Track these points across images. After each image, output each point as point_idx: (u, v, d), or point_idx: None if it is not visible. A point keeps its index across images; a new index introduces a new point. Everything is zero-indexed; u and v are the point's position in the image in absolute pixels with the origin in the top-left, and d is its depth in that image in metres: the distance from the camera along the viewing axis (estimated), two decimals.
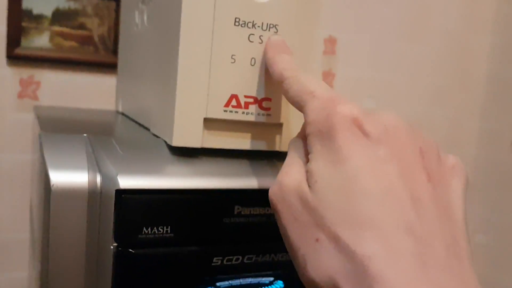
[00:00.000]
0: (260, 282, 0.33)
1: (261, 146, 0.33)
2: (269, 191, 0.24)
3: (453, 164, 0.23)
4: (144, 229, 0.28)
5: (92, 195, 0.28)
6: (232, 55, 0.31)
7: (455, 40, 1.09)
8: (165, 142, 0.32)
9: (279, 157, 0.34)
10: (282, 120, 0.33)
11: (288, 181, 0.23)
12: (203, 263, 0.30)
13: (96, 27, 0.80)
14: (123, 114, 0.52)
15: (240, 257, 0.31)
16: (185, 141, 0.31)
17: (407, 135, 0.22)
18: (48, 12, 0.77)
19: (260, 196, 0.31)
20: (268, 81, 0.32)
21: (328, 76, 0.96)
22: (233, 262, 0.31)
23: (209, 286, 0.31)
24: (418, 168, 0.21)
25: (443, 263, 0.19)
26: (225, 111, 0.31)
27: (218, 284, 0.31)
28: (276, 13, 0.31)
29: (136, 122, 0.43)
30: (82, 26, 0.79)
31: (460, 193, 0.23)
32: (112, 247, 0.28)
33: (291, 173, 0.23)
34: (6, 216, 0.72)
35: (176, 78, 0.30)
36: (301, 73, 0.26)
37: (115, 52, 0.81)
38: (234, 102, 0.31)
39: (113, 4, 0.80)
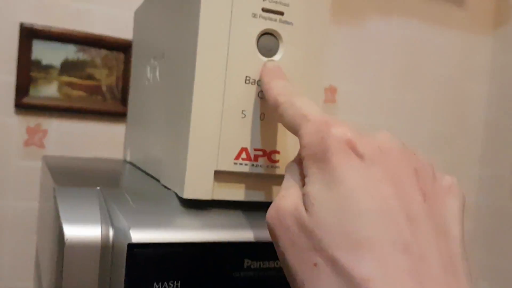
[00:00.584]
0: None
1: (271, 197, 0.34)
2: (267, 215, 0.24)
3: (449, 184, 0.24)
4: (155, 284, 0.28)
5: (105, 248, 0.28)
6: (243, 110, 0.32)
7: (452, 87, 1.12)
8: (176, 194, 0.33)
9: None
10: None
11: (284, 204, 0.23)
12: None
13: (105, 78, 0.83)
14: (131, 163, 0.53)
15: None
16: (196, 194, 0.31)
17: (401, 155, 0.22)
18: (57, 62, 0.79)
19: (270, 249, 0.31)
20: (277, 135, 0.33)
21: None
22: None
23: None
24: (413, 188, 0.22)
25: (440, 281, 0.19)
26: (235, 163, 0.32)
27: None
28: (285, 71, 0.32)
29: (144, 172, 0.44)
30: (90, 77, 0.81)
31: (457, 212, 0.23)
32: None
33: (288, 196, 0.23)
34: (9, 264, 0.71)
35: (189, 132, 0.31)
36: (295, 97, 0.27)
37: (122, 101, 0.83)
38: (244, 155, 0.32)
39: (122, 55, 0.83)
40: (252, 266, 0.31)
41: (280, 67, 0.32)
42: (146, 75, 0.47)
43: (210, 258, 0.30)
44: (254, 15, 0.32)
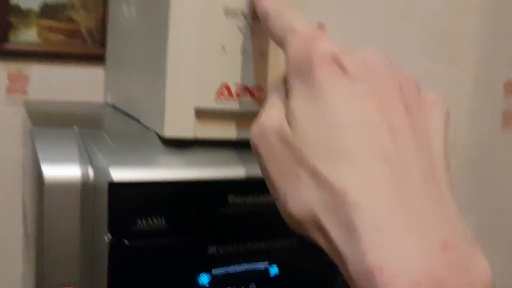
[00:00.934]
0: (256, 268, 0.33)
1: None
2: (250, 133, 0.24)
3: (433, 98, 0.23)
4: (139, 221, 0.28)
5: (85, 188, 0.28)
6: (222, 44, 0.31)
7: (442, 23, 1.09)
8: (157, 133, 0.32)
9: None
10: None
11: (268, 121, 0.23)
12: (199, 253, 0.30)
13: (84, 20, 0.80)
14: (112, 106, 0.52)
15: (235, 245, 0.31)
16: (176, 132, 0.31)
17: (386, 70, 0.22)
18: (35, 6, 0.76)
19: (253, 185, 0.32)
20: (259, 70, 0.32)
21: None
22: (228, 250, 0.31)
23: (205, 274, 0.31)
24: (396, 101, 0.21)
25: (420, 189, 0.19)
26: (216, 100, 0.31)
27: (214, 272, 0.31)
28: None
29: (125, 113, 0.43)
30: (69, 20, 0.78)
31: (440, 125, 0.23)
32: (107, 239, 0.28)
33: (271, 113, 0.23)
34: None
35: (166, 69, 0.30)
36: (286, 9, 0.26)
37: (103, 44, 0.80)
38: (225, 91, 0.31)
39: None
40: (236, 202, 0.31)
41: None
42: (122, 13, 0.45)
43: (194, 196, 0.30)
44: None
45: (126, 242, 0.28)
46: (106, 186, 0.28)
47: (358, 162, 0.20)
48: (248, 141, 0.32)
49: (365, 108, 0.21)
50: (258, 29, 0.32)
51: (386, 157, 0.20)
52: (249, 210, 0.32)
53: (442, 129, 0.22)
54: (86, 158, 0.28)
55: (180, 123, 0.31)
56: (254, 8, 0.29)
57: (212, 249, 0.31)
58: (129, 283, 0.29)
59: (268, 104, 0.24)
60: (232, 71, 0.31)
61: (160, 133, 0.31)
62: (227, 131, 0.33)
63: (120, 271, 0.28)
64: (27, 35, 0.76)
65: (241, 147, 0.33)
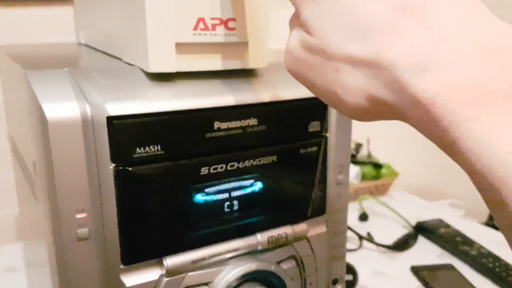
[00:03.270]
0: (242, 184, 0.37)
1: (231, 65, 0.36)
2: (285, 64, 0.26)
3: None
4: (137, 149, 0.32)
5: (85, 123, 0.30)
6: None
7: None
8: (141, 69, 0.35)
9: (249, 74, 0.38)
10: (248, 39, 0.36)
11: (291, 44, 0.25)
12: (193, 174, 0.34)
13: None
14: (86, 45, 0.53)
15: (224, 165, 0.36)
16: (160, 67, 0.33)
17: None
18: None
19: (236, 111, 0.35)
20: (232, 2, 0.34)
21: None
22: (218, 170, 0.35)
23: (199, 193, 0.35)
24: None
25: (449, 14, 0.20)
26: (194, 34, 0.34)
27: (206, 190, 0.36)
28: None
29: (103, 52, 0.45)
30: None
31: None
32: (111, 167, 0.31)
33: (291, 38, 0.25)
34: None
35: (145, 8, 0.32)
36: None
37: None
38: (201, 25, 0.34)
39: None
40: (221, 127, 0.35)
41: None
42: None
43: (184, 124, 0.33)
44: None
45: (128, 169, 0.32)
46: (104, 120, 0.31)
47: (382, 28, 0.20)
48: (222, 71, 0.35)
49: None
50: None
51: (403, 5, 0.20)
52: (233, 133, 0.35)
53: None
54: (82, 96, 0.31)
55: (163, 58, 0.33)
56: None
57: (204, 170, 0.35)
58: (134, 205, 0.33)
59: (287, 40, 0.26)
60: (206, 5, 0.33)
61: (145, 68, 0.34)
62: (206, 63, 0.35)
63: (125, 194, 0.32)
64: None
65: (219, 77, 0.36)
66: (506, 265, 0.70)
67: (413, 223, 0.85)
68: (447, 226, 0.84)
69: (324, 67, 0.23)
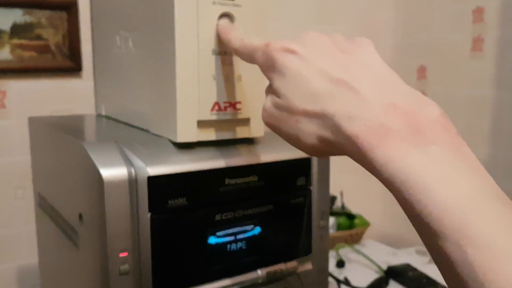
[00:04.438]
0: (245, 228, 0.47)
1: (237, 135, 0.47)
2: (262, 118, 0.36)
3: (360, 39, 0.33)
4: (169, 201, 0.41)
5: (131, 182, 0.40)
6: (212, 74, 0.44)
7: (363, 17, 1.27)
8: (169, 140, 0.45)
9: (251, 141, 0.48)
10: (249, 115, 0.47)
11: (266, 104, 0.35)
12: (208, 220, 0.44)
13: (52, 37, 0.88)
14: (107, 116, 0.63)
15: (232, 213, 0.45)
16: (185, 138, 0.44)
17: (319, 38, 0.33)
18: (6, 27, 0.83)
19: (242, 170, 0.45)
20: (238, 90, 0.45)
21: None
22: (228, 216, 0.45)
23: (214, 235, 0.45)
24: (333, 50, 0.32)
25: (376, 82, 0.30)
26: (211, 114, 0.44)
27: (217, 233, 0.45)
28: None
29: (127, 124, 0.55)
30: (39, 37, 0.87)
31: (373, 51, 0.32)
32: (148, 216, 0.41)
33: (266, 100, 0.35)
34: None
35: (176, 94, 0.43)
36: (245, 40, 0.39)
37: (71, 57, 0.90)
38: (216, 107, 0.45)
39: (65, 14, 0.88)
40: (230, 183, 0.45)
41: (228, 21, 0.44)
42: (115, 43, 0.56)
43: (203, 180, 0.43)
44: (214, 3, 0.43)
45: (162, 216, 0.41)
46: (146, 179, 0.40)
47: (325, 93, 0.30)
48: (231, 139, 0.46)
49: (314, 64, 0.31)
50: (235, 60, 0.45)
51: (339, 81, 0.30)
52: (240, 187, 0.45)
53: (376, 53, 0.32)
54: (128, 161, 0.41)
55: (187, 131, 0.44)
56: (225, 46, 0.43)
57: (217, 217, 0.44)
58: (165, 245, 0.42)
59: (265, 99, 0.36)
60: (220, 92, 0.45)
61: (173, 139, 0.44)
62: (219, 134, 0.46)
63: (158, 237, 0.41)
64: (1, 54, 0.84)
65: (229, 144, 0.47)
66: None
67: (385, 268, 0.94)
68: (414, 269, 0.93)
69: (289, 119, 0.33)
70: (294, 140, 0.33)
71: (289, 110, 0.32)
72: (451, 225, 0.23)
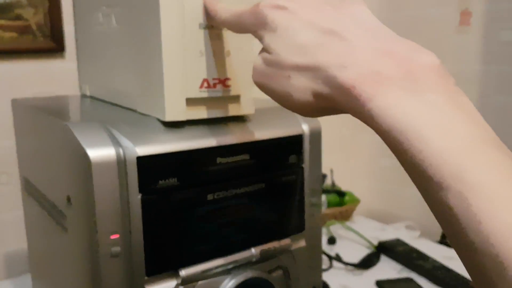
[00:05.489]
0: (239, 207, 0.46)
1: (228, 113, 0.46)
2: (252, 78, 0.34)
3: None
4: (159, 181, 0.40)
5: (119, 163, 0.39)
6: (200, 50, 0.43)
7: None
8: (158, 119, 0.44)
9: (241, 119, 0.47)
10: (240, 92, 0.46)
11: (256, 62, 0.34)
12: (200, 200, 0.43)
13: (32, 16, 0.85)
14: (92, 97, 0.61)
15: (225, 192, 0.45)
16: (174, 116, 0.43)
17: None
18: None
19: (233, 148, 0.45)
20: (228, 66, 0.44)
21: None
22: (220, 196, 0.44)
23: (207, 215, 0.44)
24: (323, 5, 0.31)
25: (372, 34, 0.29)
26: (200, 91, 0.43)
27: (212, 213, 0.44)
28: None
29: (113, 104, 0.53)
30: (19, 17, 0.84)
31: (366, 10, 0.31)
32: (139, 197, 0.40)
33: (257, 58, 0.34)
34: None
35: (162, 71, 0.41)
36: (233, 10, 0.37)
37: (53, 38, 0.87)
38: (205, 84, 0.43)
39: None
40: (222, 162, 0.44)
41: None
42: (98, 20, 0.54)
43: (194, 160, 0.43)
44: None
45: (152, 197, 0.40)
46: (135, 160, 0.39)
47: (316, 45, 0.29)
48: (221, 118, 0.45)
49: (304, 17, 0.31)
50: (223, 35, 0.44)
51: (331, 31, 0.29)
52: (231, 166, 0.45)
53: (368, 10, 0.31)
54: (116, 141, 0.40)
55: (176, 110, 0.43)
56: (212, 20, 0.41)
57: (209, 197, 0.44)
58: (157, 226, 0.41)
59: (254, 63, 0.35)
60: (209, 68, 0.43)
61: (161, 118, 0.43)
62: (208, 112, 0.45)
63: (150, 218, 0.41)
64: None
65: (219, 122, 0.46)
66: (456, 275, 0.81)
67: (375, 243, 0.95)
68: (405, 244, 0.94)
69: (280, 76, 0.31)
70: (286, 99, 0.32)
71: (279, 66, 0.31)
72: (450, 174, 0.23)
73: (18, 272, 0.84)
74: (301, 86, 0.30)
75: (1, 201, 0.85)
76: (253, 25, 0.34)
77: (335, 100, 0.29)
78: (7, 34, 0.83)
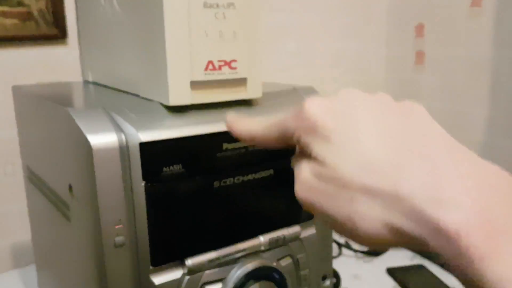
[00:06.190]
0: (247, 195, 0.45)
1: (234, 96, 0.44)
2: (297, 195, 0.28)
3: (410, 102, 0.27)
4: (164, 168, 0.39)
5: (122, 149, 0.37)
6: (205, 30, 0.41)
7: None
8: (161, 103, 0.42)
9: (248, 103, 0.45)
10: (246, 75, 0.44)
11: (303, 175, 0.27)
12: (207, 187, 0.42)
13: (34, 3, 0.83)
14: (95, 83, 0.60)
15: (232, 179, 0.43)
16: (178, 101, 0.41)
17: (366, 97, 0.27)
18: None
19: None
20: (234, 47, 0.42)
21: None
22: (227, 183, 0.43)
23: (213, 203, 0.42)
24: (386, 111, 0.26)
25: (447, 154, 0.23)
26: (205, 74, 0.41)
27: (218, 200, 0.43)
28: None
29: (117, 89, 0.52)
30: (20, 3, 0.82)
31: (429, 116, 0.26)
32: (142, 184, 0.38)
33: (302, 169, 0.27)
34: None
35: (166, 55, 0.39)
36: (262, 121, 0.32)
37: (55, 24, 0.85)
38: (211, 66, 0.42)
39: None
40: (228, 148, 0.42)
41: (234, 114, 0.36)
42: (99, 3, 0.53)
43: (199, 146, 0.41)
44: None
45: (157, 185, 0.39)
46: (137, 146, 0.38)
47: (390, 163, 0.23)
48: (227, 102, 0.43)
49: (367, 125, 0.25)
50: (229, 15, 0.42)
51: (405, 145, 0.23)
52: (238, 152, 0.43)
53: (433, 119, 0.26)
54: (118, 127, 0.38)
55: (180, 94, 0.41)
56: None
57: (216, 184, 0.42)
58: (162, 215, 0.40)
59: (295, 172, 0.28)
60: (214, 50, 0.41)
61: (165, 102, 0.41)
62: (214, 96, 0.43)
63: (154, 207, 0.39)
64: None
65: (225, 107, 0.44)
66: None
67: None
68: None
69: (339, 196, 0.24)
70: (346, 226, 0.25)
71: (338, 184, 0.24)
72: None
73: (25, 263, 0.84)
74: (370, 214, 0.23)
75: (7, 192, 0.84)
76: (299, 130, 0.27)
77: (421, 240, 0.22)
78: (9, 21, 0.81)
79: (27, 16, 0.83)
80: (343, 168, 0.24)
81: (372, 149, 0.24)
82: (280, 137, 0.30)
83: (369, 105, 0.26)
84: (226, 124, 0.35)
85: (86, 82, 0.62)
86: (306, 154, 0.27)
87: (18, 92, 0.58)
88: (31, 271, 0.75)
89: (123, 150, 0.38)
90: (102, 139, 0.37)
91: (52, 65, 0.86)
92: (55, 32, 0.86)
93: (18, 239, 0.86)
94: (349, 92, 0.28)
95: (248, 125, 0.33)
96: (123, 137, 0.38)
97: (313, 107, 0.27)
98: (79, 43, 0.62)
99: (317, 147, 0.26)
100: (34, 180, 0.56)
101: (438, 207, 0.21)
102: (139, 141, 0.38)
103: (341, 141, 0.25)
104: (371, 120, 0.25)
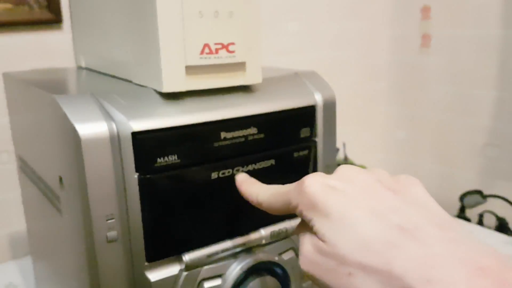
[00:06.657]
0: None
1: (232, 82, 0.41)
2: (300, 266, 0.29)
3: (405, 178, 0.29)
4: (158, 159, 0.37)
5: (112, 139, 0.35)
6: (199, 10, 0.38)
7: None
8: (154, 90, 0.40)
9: (248, 89, 0.43)
10: (245, 59, 0.41)
11: (305, 248, 0.29)
12: (204, 179, 0.39)
13: None
14: (87, 68, 0.57)
15: (230, 170, 0.41)
16: (172, 87, 0.38)
17: (363, 175, 0.29)
18: None
19: (238, 122, 0.40)
20: (231, 28, 0.40)
21: None
22: (226, 174, 0.40)
23: (211, 195, 0.40)
24: (382, 192, 0.28)
25: (439, 236, 0.24)
26: (200, 58, 0.39)
27: (216, 192, 0.41)
28: None
29: (109, 75, 0.49)
30: None
31: (426, 193, 0.28)
32: (135, 176, 0.36)
33: (305, 242, 0.29)
34: None
35: (158, 38, 0.37)
36: (269, 189, 0.35)
37: (49, 8, 0.82)
38: (207, 50, 0.39)
39: None
40: (226, 137, 0.40)
41: (246, 174, 0.39)
42: None
43: (196, 135, 0.38)
44: None
45: (150, 177, 0.36)
46: (129, 136, 0.35)
47: (384, 243, 0.25)
48: (225, 88, 0.41)
49: (363, 204, 0.27)
50: None
51: (399, 225, 0.25)
52: (237, 141, 0.40)
53: (428, 194, 0.28)
54: (108, 116, 0.36)
55: (174, 80, 0.38)
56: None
57: (214, 175, 0.40)
58: (156, 208, 0.37)
59: (300, 245, 0.30)
60: (209, 32, 0.39)
61: (158, 89, 0.39)
62: (211, 81, 0.41)
63: (148, 200, 0.37)
64: None
65: (223, 93, 0.41)
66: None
67: None
68: None
69: (338, 271, 0.26)
70: None
71: (337, 260, 0.26)
72: None
73: (23, 253, 0.82)
74: None
75: (3, 181, 0.83)
76: (301, 205, 0.29)
77: None
78: (2, 6, 0.78)
79: (21, 0, 0.80)
80: (341, 245, 0.26)
81: (367, 228, 0.26)
82: (285, 206, 0.32)
83: (366, 183, 0.28)
84: (236, 182, 0.39)
85: (79, 68, 0.60)
86: (308, 227, 0.29)
87: (8, 79, 0.55)
88: (30, 261, 0.74)
89: (114, 140, 0.35)
90: (91, 128, 0.35)
91: (47, 51, 0.83)
92: (49, 17, 0.83)
93: (17, 228, 0.84)
94: (348, 169, 0.30)
95: (256, 191, 0.36)
96: (114, 126, 0.35)
97: (314, 184, 0.29)
98: (72, 28, 0.60)
99: (318, 224, 0.28)
100: (26, 170, 0.54)
101: (427, 286, 0.22)
102: (131, 131, 0.35)
103: (340, 219, 0.27)
104: (367, 199, 0.27)
